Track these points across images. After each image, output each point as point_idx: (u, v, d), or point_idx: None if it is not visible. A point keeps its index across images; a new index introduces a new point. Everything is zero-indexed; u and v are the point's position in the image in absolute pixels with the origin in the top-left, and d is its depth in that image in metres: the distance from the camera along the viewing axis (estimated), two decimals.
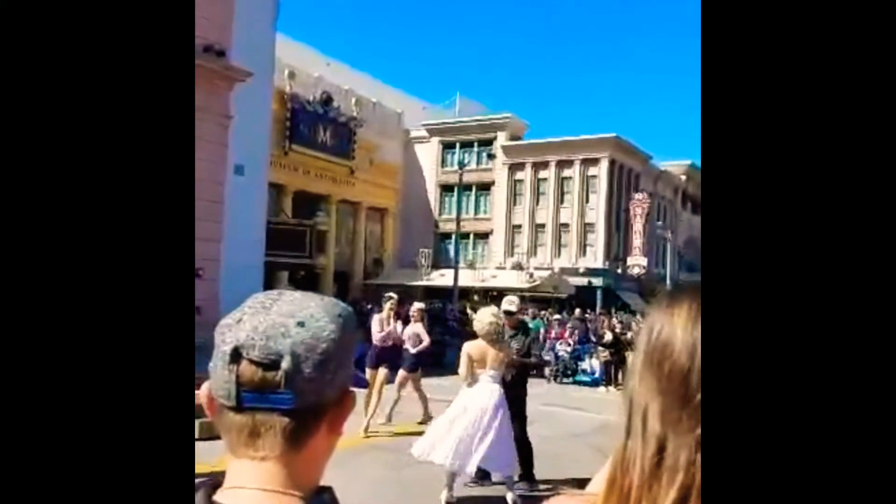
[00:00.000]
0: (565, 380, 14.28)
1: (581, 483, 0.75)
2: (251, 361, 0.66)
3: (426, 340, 7.91)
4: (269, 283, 17.31)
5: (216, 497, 0.66)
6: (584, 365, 14.53)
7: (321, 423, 0.69)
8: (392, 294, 8.67)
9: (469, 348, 5.29)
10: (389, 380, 7.78)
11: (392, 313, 8.13)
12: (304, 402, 0.66)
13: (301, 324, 0.68)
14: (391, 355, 7.86)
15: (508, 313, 5.71)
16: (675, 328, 0.63)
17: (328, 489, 0.71)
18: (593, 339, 14.88)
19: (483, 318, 5.33)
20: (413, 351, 7.83)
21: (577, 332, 15.60)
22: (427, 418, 7.36)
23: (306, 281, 23.05)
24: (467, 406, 5.05)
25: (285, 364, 0.65)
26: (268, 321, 0.67)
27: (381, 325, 7.95)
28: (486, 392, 5.10)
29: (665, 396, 0.61)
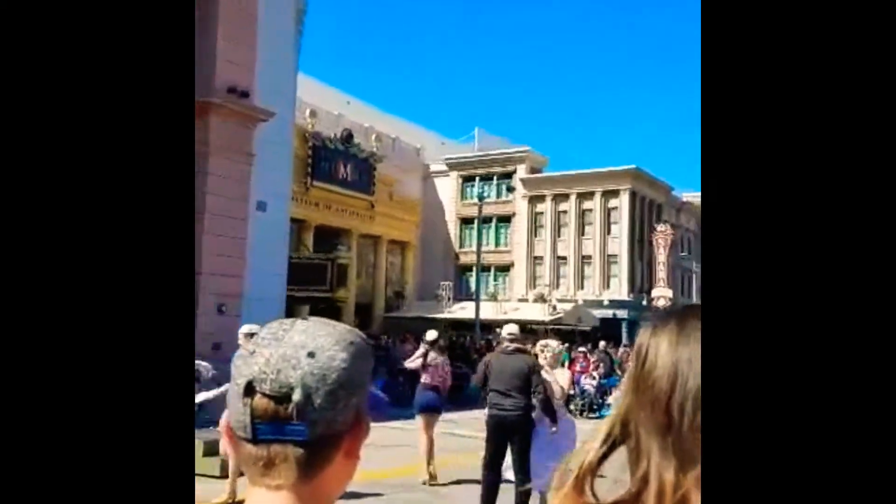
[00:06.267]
0: (591, 415, 13.96)
1: None
2: (264, 395, 0.67)
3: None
4: (291, 318, 17.28)
5: None
6: (610, 399, 14.21)
7: (336, 450, 0.69)
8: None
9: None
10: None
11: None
12: (316, 432, 0.67)
13: (311, 354, 0.68)
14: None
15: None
16: (658, 353, 0.65)
17: None
18: (619, 372, 14.59)
19: (556, 344, 6.03)
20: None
21: (602, 365, 15.32)
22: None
23: (327, 314, 22.96)
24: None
25: (296, 396, 0.66)
26: (279, 353, 0.68)
27: None
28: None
29: (649, 419, 0.63)
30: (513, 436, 5.31)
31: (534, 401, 5.26)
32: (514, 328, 5.82)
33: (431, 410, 6.97)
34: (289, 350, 0.69)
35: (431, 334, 7.59)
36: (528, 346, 6.05)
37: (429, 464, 6.89)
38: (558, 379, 5.67)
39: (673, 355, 0.63)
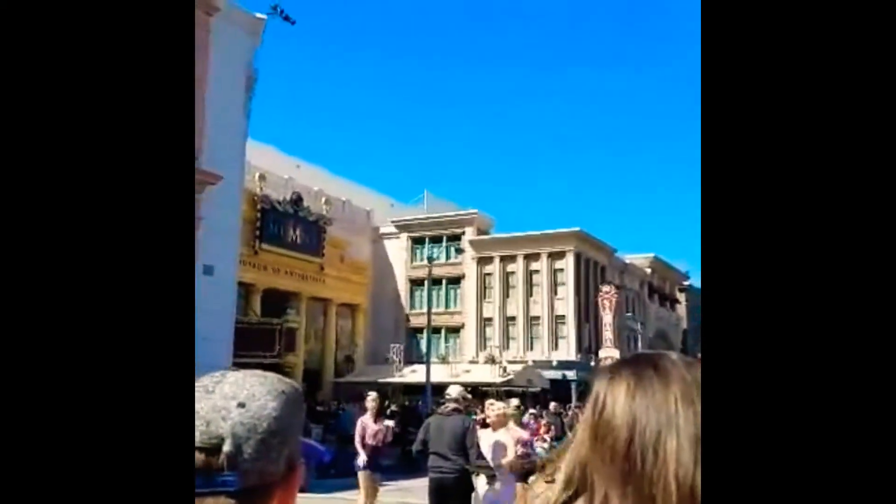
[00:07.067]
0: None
1: None
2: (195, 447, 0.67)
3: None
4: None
5: None
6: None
7: (269, 501, 0.69)
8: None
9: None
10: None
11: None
12: (248, 482, 0.67)
13: (242, 405, 0.69)
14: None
15: (466, 399, 5.88)
16: (616, 402, 0.65)
17: None
18: (569, 434, 14.53)
19: (501, 405, 5.93)
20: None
21: (553, 427, 15.26)
22: None
23: None
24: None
25: (227, 447, 0.66)
26: (209, 405, 0.69)
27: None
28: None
29: (607, 467, 0.63)
30: (453, 497, 5.31)
31: (470, 459, 5.29)
32: (454, 390, 5.86)
33: (363, 469, 7.73)
34: (219, 401, 0.69)
35: (371, 396, 8.68)
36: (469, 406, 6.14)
37: None
38: (500, 439, 5.61)
39: (631, 404, 0.63)
